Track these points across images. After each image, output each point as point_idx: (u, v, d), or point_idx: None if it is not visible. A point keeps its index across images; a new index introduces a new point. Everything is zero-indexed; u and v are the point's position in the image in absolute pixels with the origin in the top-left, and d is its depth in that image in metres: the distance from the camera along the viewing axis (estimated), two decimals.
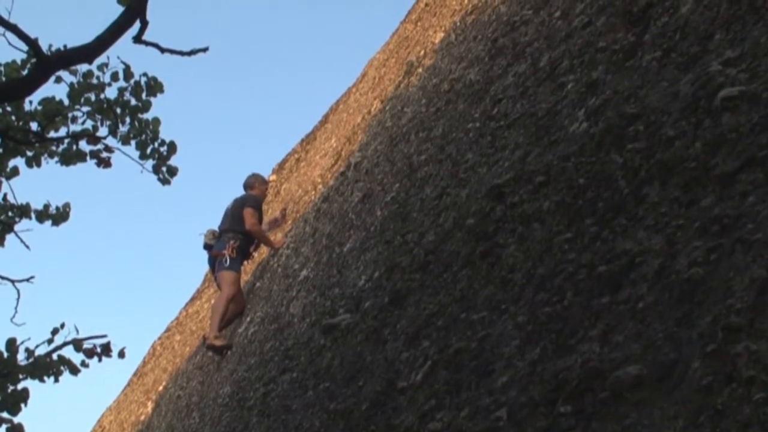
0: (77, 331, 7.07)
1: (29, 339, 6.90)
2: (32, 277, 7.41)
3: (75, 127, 7.10)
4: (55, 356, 6.88)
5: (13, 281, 7.31)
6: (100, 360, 7.14)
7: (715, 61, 3.34)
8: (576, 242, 3.39)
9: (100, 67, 6.96)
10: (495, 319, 3.53)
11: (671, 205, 2.97)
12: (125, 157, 7.18)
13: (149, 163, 7.30)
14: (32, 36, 5.80)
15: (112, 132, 7.12)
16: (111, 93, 7.14)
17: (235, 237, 9.51)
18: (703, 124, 3.13)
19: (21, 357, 6.70)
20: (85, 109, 7.05)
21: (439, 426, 3.28)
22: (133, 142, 7.23)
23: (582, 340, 2.87)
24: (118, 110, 7.10)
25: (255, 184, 10.25)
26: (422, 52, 9.17)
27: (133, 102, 7.17)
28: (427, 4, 11.01)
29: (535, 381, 2.93)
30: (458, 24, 8.32)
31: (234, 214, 9.69)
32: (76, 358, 7.05)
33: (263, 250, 10.44)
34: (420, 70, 8.69)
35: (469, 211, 4.61)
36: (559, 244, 3.48)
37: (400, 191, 6.22)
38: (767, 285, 2.29)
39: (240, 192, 10.20)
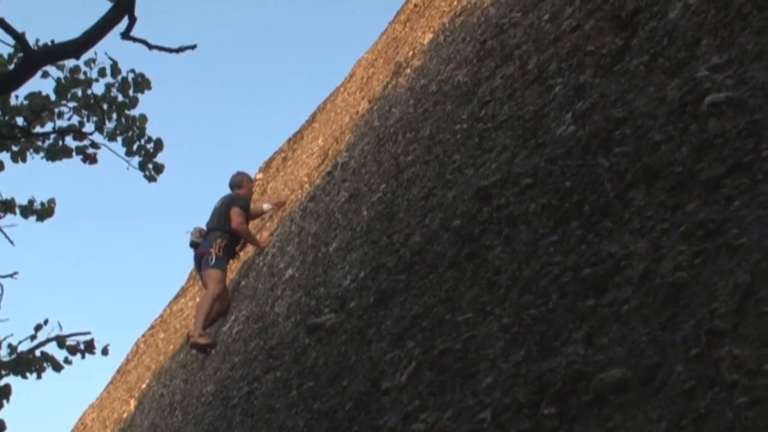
0: (61, 327, 7.07)
1: (12, 335, 6.89)
2: (16, 273, 7.38)
3: (61, 123, 7.09)
4: (38, 353, 6.86)
5: None
6: (83, 357, 7.13)
7: (702, 67, 3.36)
8: (562, 245, 3.40)
9: (88, 63, 6.94)
10: (480, 320, 3.53)
11: (657, 209, 2.98)
12: (111, 153, 7.18)
13: (135, 160, 7.28)
14: (19, 30, 5.77)
15: (99, 128, 7.10)
16: (98, 89, 7.13)
17: (222, 236, 9.52)
18: (690, 129, 3.15)
19: (3, 353, 6.69)
20: (72, 104, 7.03)
21: (422, 427, 3.28)
22: (119, 139, 7.21)
23: (566, 343, 2.87)
24: (105, 106, 7.08)
25: (243, 183, 10.27)
26: (410, 53, 9.18)
27: (120, 98, 7.15)
28: (416, 5, 11.02)
29: (520, 383, 2.93)
30: (447, 25, 8.32)
31: (221, 213, 9.71)
32: (60, 354, 7.04)
33: (249, 249, 10.44)
34: (408, 70, 8.69)
35: (456, 212, 4.62)
36: (545, 247, 3.49)
37: (386, 191, 6.22)
38: (751, 290, 2.30)
39: (227, 190, 10.21)
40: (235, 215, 9.60)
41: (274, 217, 10.73)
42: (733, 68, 3.18)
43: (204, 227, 9.85)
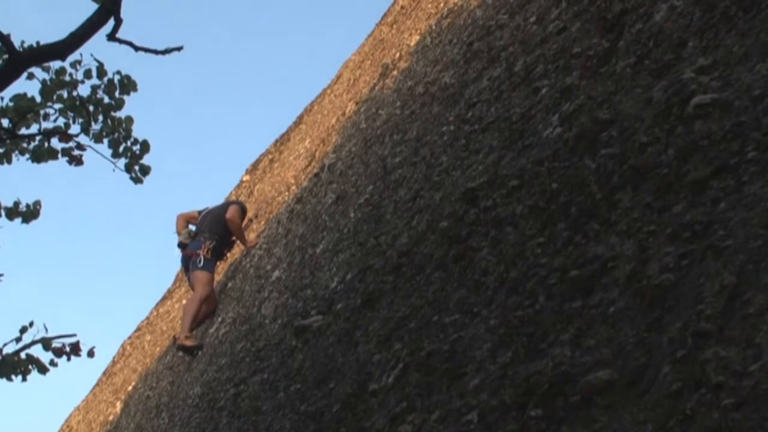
0: (46, 329, 7.03)
1: None
2: (1, 275, 7.35)
3: (47, 124, 7.04)
4: (23, 355, 6.83)
5: None
6: (69, 359, 7.10)
7: (688, 69, 3.37)
8: (548, 246, 3.40)
9: (73, 65, 6.90)
10: (467, 322, 3.53)
11: (643, 211, 2.99)
12: (97, 155, 7.14)
13: (122, 162, 7.25)
14: (4, 32, 5.75)
15: (85, 130, 7.07)
16: (84, 90, 7.10)
17: (211, 237, 9.51)
18: (676, 131, 3.16)
19: None
20: (58, 106, 6.99)
21: (409, 428, 3.27)
22: (105, 141, 7.18)
23: (553, 344, 2.88)
24: (91, 108, 7.04)
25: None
26: (397, 55, 9.18)
27: (106, 100, 7.11)
28: (403, 7, 11.02)
29: (507, 384, 2.93)
30: (434, 27, 8.33)
31: (218, 214, 9.72)
32: (45, 356, 7.01)
33: (236, 251, 10.42)
34: (395, 72, 8.69)
35: (443, 214, 4.62)
36: (532, 248, 3.49)
37: (373, 193, 6.22)
38: (737, 291, 2.31)
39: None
40: (234, 209, 9.69)
41: (261, 219, 10.71)
42: (719, 70, 3.19)
43: (192, 228, 9.84)
